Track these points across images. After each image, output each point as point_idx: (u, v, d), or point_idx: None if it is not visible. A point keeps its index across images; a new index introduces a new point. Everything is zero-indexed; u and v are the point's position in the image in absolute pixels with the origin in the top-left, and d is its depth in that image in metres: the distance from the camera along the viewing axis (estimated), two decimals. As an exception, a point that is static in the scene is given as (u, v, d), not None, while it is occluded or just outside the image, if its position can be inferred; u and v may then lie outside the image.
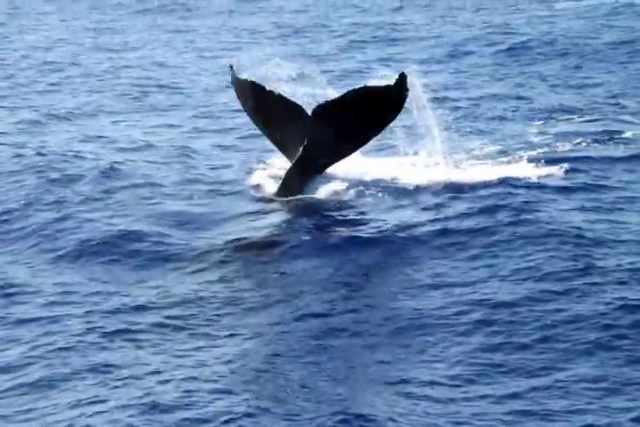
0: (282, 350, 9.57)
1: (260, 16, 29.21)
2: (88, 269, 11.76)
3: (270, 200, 13.66)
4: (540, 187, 13.65)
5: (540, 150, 15.72)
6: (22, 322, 10.37)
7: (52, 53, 24.99)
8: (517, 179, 13.88)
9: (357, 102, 11.99)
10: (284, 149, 13.33)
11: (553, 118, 17.85)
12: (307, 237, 12.39)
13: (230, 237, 12.60)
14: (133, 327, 10.07)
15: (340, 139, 12.38)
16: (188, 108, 19.70)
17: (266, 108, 12.73)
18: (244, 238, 12.60)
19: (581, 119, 17.73)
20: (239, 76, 13.25)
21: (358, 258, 11.75)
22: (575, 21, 26.00)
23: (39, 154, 16.00)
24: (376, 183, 14.02)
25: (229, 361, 9.31)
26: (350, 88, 12.69)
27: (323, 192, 13.71)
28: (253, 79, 13.14)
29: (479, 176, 14.02)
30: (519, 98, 19.52)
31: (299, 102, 12.87)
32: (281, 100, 12.57)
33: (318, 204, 13.62)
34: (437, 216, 12.71)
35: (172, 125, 18.40)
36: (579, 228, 12.03)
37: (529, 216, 12.42)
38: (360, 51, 24.53)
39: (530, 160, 14.97)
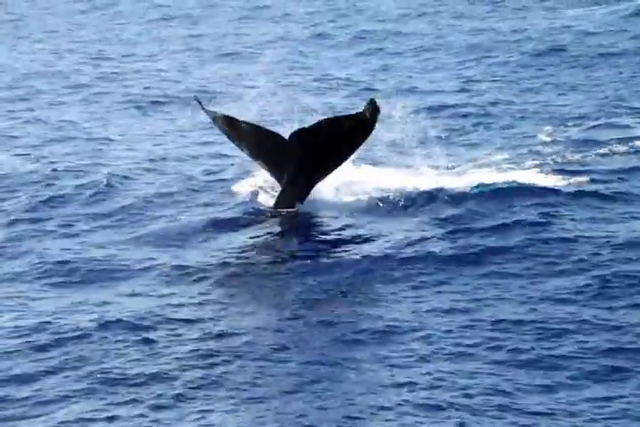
0: (283, 355, 9.59)
1: (265, 25, 29.10)
2: (92, 281, 11.74)
3: (269, 212, 13.55)
4: (552, 198, 13.32)
5: (550, 159, 15.46)
6: (18, 333, 10.36)
7: (58, 63, 24.85)
8: (527, 189, 13.59)
9: (330, 129, 12.85)
10: (270, 171, 13.83)
11: (563, 125, 17.61)
12: (306, 251, 12.26)
13: (231, 251, 12.50)
14: (133, 338, 10.08)
15: (319, 160, 13.09)
16: (193, 117, 19.57)
17: (243, 137, 13.43)
18: (244, 251, 12.51)
19: (592, 126, 17.48)
20: (208, 109, 13.87)
21: (360, 272, 11.61)
22: (585, 28, 25.81)
23: (43, 165, 16.05)
24: (379, 195, 13.82)
25: (227, 373, 9.29)
26: (324, 117, 13.34)
27: (322, 204, 13.58)
28: (224, 112, 13.69)
29: (486, 187, 13.75)
30: (528, 104, 19.29)
31: (272, 129, 13.45)
32: (256, 129, 13.27)
33: (318, 216, 13.50)
34: (442, 229, 12.51)
35: (176, 135, 18.24)
36: (594, 242, 11.73)
37: (541, 231, 12.19)
38: (365, 59, 24.35)
39: (540, 169, 14.70)
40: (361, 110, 12.98)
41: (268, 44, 26.11)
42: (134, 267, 11.94)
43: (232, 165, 15.68)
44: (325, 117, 13.19)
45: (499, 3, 30.08)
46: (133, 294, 11.22)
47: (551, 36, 24.92)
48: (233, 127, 13.41)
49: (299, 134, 12.84)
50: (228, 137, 13.85)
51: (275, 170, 13.50)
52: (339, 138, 12.84)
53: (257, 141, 13.22)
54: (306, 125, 13.04)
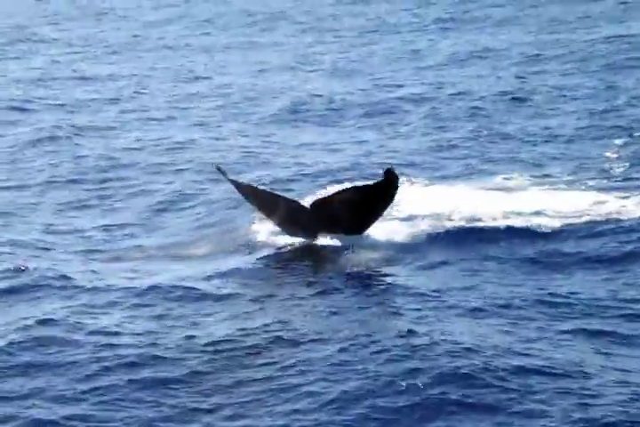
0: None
1: (322, 40, 28.85)
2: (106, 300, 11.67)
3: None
4: (623, 229, 12.41)
5: (619, 178, 14.69)
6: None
7: (117, 82, 24.78)
8: (600, 219, 12.77)
9: (348, 199, 13.12)
10: (291, 234, 13.87)
11: (634, 136, 16.87)
12: (351, 284, 11.96)
13: (264, 285, 12.32)
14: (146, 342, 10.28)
15: (341, 226, 13.24)
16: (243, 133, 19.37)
17: (265, 205, 13.74)
18: (273, 286, 12.30)
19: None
20: (231, 178, 14.10)
21: (372, 315, 11.01)
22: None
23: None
24: (433, 220, 13.32)
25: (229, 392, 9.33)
26: (343, 187, 13.61)
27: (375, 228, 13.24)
28: (247, 182, 13.95)
29: (543, 212, 13.04)
30: (593, 116, 18.59)
31: (292, 198, 13.65)
32: (277, 198, 13.52)
33: (372, 244, 13.06)
34: (499, 268, 11.77)
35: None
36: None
37: (621, 276, 11.22)
38: (420, 71, 23.88)
39: (608, 190, 13.94)
40: (378, 180, 13.07)
41: (323, 58, 25.80)
42: (155, 299, 11.74)
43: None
44: (344, 188, 13.44)
45: (566, 14, 29.51)
46: (150, 324, 11.05)
47: (620, 49, 24.29)
48: (255, 196, 13.73)
49: (318, 204, 13.16)
50: (252, 204, 14.05)
51: (299, 233, 13.58)
52: (357, 207, 13.07)
53: (279, 210, 13.48)
54: (326, 195, 13.32)
